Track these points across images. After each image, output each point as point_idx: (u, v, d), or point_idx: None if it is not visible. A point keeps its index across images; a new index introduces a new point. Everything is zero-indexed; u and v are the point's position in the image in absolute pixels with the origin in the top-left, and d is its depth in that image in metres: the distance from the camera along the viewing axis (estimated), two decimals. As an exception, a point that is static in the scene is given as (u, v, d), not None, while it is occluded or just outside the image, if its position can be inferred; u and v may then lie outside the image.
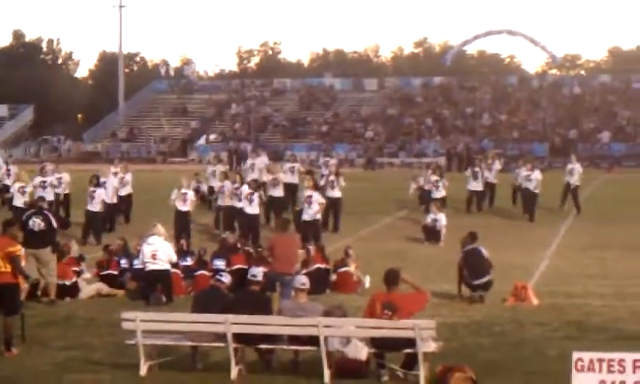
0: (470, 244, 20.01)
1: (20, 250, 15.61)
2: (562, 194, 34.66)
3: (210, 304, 14.12)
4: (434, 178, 33.09)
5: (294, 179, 32.78)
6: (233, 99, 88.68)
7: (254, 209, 27.59)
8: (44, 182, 30.39)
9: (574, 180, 34.63)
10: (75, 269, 20.80)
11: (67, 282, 20.16)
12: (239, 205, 27.95)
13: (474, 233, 20.41)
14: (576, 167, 34.93)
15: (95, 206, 28.56)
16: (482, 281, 19.39)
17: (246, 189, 28.08)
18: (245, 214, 27.63)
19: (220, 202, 29.93)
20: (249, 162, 36.87)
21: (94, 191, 28.72)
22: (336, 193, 30.34)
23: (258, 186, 29.43)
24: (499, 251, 26.12)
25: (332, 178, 30.85)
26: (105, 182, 30.44)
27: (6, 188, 33.42)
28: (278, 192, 30.91)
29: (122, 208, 32.49)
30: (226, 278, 15.10)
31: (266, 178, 32.98)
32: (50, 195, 28.84)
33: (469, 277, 19.51)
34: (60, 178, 32.22)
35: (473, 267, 19.53)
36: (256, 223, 27.72)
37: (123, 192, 32.41)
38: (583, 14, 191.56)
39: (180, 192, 27.60)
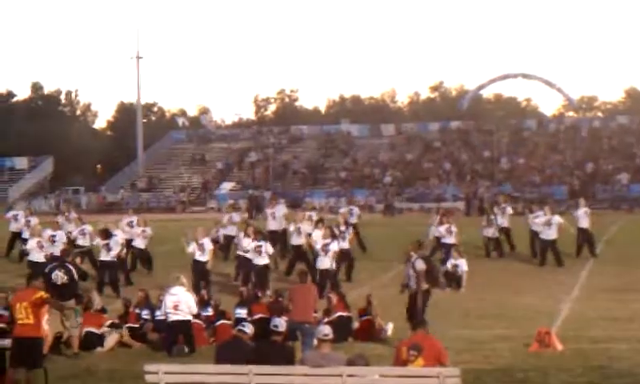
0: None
1: (45, 294, 15.56)
2: (579, 240, 34.20)
3: (233, 355, 14.11)
4: (445, 225, 32.81)
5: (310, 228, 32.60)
6: (251, 147, 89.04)
7: (262, 260, 27.60)
8: (53, 236, 30.40)
9: (585, 223, 34.28)
10: (105, 322, 20.77)
11: (98, 331, 20.18)
12: (250, 255, 27.98)
13: (420, 241, 20.45)
14: (586, 210, 34.50)
15: (109, 258, 28.45)
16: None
17: (253, 242, 28.02)
18: (254, 266, 27.68)
19: (238, 252, 29.86)
20: (267, 210, 36.81)
21: (108, 243, 28.61)
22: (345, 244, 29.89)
23: (264, 236, 29.26)
24: (521, 295, 26.17)
25: (342, 228, 30.59)
26: (116, 234, 30.34)
27: (25, 241, 33.43)
28: (299, 240, 30.85)
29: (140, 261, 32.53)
30: (249, 328, 15.09)
31: (287, 226, 33.06)
32: (57, 250, 28.74)
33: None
34: (83, 230, 32.28)
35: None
36: (264, 273, 27.67)
37: (143, 245, 32.45)
38: (599, 55, 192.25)
39: (198, 243, 27.53)
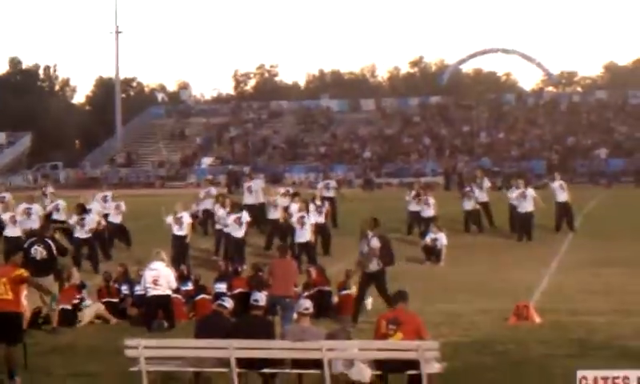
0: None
1: (25, 272, 15.57)
2: (557, 215, 34.33)
3: (212, 329, 14.11)
4: (426, 198, 33.04)
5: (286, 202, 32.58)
6: (230, 122, 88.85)
7: (240, 232, 27.64)
8: (29, 208, 30.27)
9: (562, 197, 34.37)
10: (77, 296, 20.75)
11: (69, 306, 20.13)
12: (227, 229, 28.04)
13: (376, 219, 20.46)
14: (561, 184, 34.60)
15: (84, 234, 28.40)
16: None
17: (230, 214, 28.11)
18: (231, 239, 27.74)
19: (217, 226, 29.89)
20: (245, 184, 36.84)
21: (83, 218, 28.52)
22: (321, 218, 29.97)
23: (241, 209, 29.31)
24: (500, 270, 26.29)
25: (318, 202, 30.65)
26: (91, 209, 30.29)
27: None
28: (276, 215, 30.92)
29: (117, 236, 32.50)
30: (229, 303, 15.09)
31: (264, 200, 33.15)
32: (35, 223, 28.71)
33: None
34: (57, 205, 32.16)
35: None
36: (241, 246, 27.75)
37: (118, 220, 32.39)
38: (578, 30, 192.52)
39: (175, 216, 27.51)
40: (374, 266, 19.48)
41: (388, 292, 18.19)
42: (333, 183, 37.99)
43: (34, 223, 28.81)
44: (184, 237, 27.19)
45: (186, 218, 27.72)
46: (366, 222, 20.14)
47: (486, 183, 35.97)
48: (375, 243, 19.49)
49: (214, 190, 36.02)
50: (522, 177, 37.06)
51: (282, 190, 34.39)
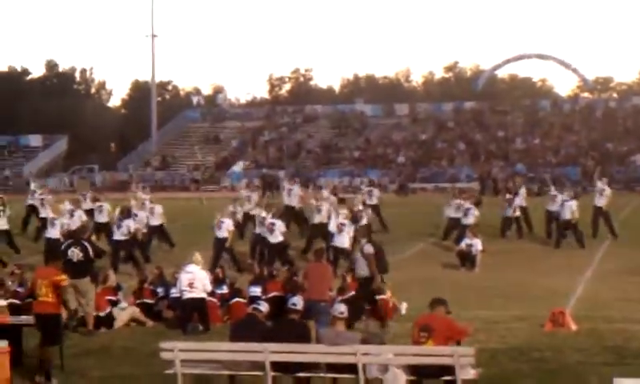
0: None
1: (66, 280, 15.80)
2: (593, 221, 33.98)
3: (247, 332, 14.14)
4: (467, 205, 32.82)
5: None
6: (265, 126, 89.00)
7: (276, 238, 27.71)
8: (72, 210, 30.69)
9: (602, 202, 34.14)
10: (112, 298, 20.86)
11: (101, 314, 20.23)
12: (265, 233, 28.16)
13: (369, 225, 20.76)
14: (606, 189, 34.43)
15: (122, 236, 28.54)
16: None
17: (268, 218, 28.25)
18: (267, 243, 27.82)
19: (256, 230, 29.98)
20: (286, 187, 36.92)
21: (121, 221, 28.72)
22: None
23: (280, 214, 29.46)
24: (535, 276, 26.15)
25: (360, 207, 30.80)
26: (137, 214, 30.55)
27: (42, 219, 33.59)
28: (319, 219, 30.99)
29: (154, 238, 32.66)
30: (264, 307, 15.10)
31: (304, 204, 33.46)
32: (75, 225, 29.03)
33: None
34: (101, 207, 32.52)
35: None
36: (280, 250, 27.79)
37: (156, 222, 32.54)
38: (614, 36, 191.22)
39: (218, 219, 27.91)
40: (364, 271, 19.63)
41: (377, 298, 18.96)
42: (376, 191, 38.10)
43: (76, 225, 29.11)
44: (223, 239, 27.54)
45: (227, 222, 28.10)
46: (358, 230, 20.47)
47: (523, 190, 35.94)
48: (369, 249, 19.60)
49: (254, 195, 36.16)
50: (564, 184, 36.89)
51: (325, 193, 34.30)
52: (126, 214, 29.32)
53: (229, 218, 29.31)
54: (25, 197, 39.04)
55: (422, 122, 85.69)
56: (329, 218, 29.80)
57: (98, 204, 33.03)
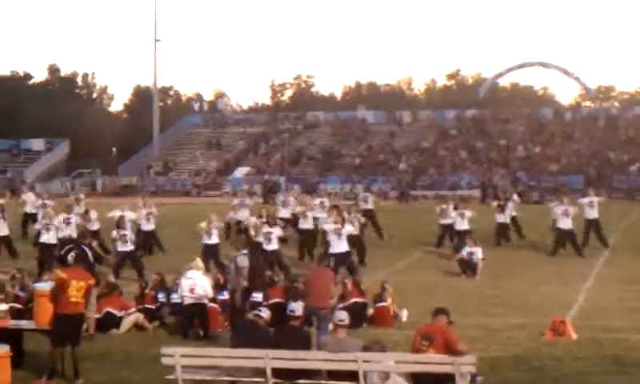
0: None
1: (94, 283, 16.27)
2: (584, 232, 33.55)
3: (249, 339, 14.15)
4: (457, 212, 33.10)
5: (323, 213, 32.70)
6: (266, 132, 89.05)
7: (272, 246, 27.71)
8: (68, 218, 30.52)
9: (593, 214, 33.83)
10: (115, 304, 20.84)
11: (118, 313, 20.26)
12: (261, 241, 28.13)
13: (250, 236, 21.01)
14: (592, 201, 34.04)
15: (126, 247, 28.47)
16: None
17: (263, 230, 28.22)
18: (265, 251, 27.79)
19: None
20: (281, 198, 36.97)
21: (125, 235, 28.58)
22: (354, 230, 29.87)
23: (275, 222, 29.39)
24: (536, 285, 26.13)
25: (352, 213, 30.80)
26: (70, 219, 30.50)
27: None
28: (306, 225, 31.03)
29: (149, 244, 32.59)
30: (265, 313, 15.12)
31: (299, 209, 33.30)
32: (74, 232, 28.99)
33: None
34: (89, 215, 32.50)
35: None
36: (276, 258, 27.77)
37: (149, 227, 32.49)
38: (617, 45, 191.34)
39: (208, 226, 27.80)
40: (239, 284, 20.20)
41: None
42: (371, 197, 38.25)
43: (74, 232, 29.10)
44: (214, 245, 27.59)
45: (218, 231, 28.21)
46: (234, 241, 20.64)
47: (515, 198, 36.21)
48: (242, 262, 19.72)
49: (248, 201, 36.11)
50: (564, 194, 36.92)
51: (317, 200, 34.45)
52: (122, 224, 29.11)
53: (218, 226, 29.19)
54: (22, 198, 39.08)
55: (423, 129, 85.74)
56: (316, 225, 29.94)
57: (89, 211, 33.09)
